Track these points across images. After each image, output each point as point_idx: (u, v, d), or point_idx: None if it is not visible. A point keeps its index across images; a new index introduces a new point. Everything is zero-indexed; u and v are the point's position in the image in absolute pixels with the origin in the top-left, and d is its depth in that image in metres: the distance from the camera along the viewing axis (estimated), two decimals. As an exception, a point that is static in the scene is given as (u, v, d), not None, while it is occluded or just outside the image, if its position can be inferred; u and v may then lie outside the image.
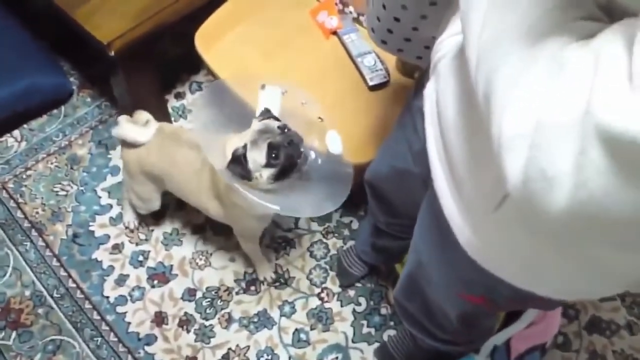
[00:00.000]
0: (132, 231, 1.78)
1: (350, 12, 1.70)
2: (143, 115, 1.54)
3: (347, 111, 1.57)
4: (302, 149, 1.25)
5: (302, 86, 1.57)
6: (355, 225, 1.83)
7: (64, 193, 1.84)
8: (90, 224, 1.79)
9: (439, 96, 0.77)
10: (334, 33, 1.68)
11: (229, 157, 1.23)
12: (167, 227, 1.80)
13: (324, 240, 1.80)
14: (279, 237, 1.79)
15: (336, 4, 1.71)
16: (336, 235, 1.81)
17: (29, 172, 1.87)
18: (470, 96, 0.62)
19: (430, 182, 0.82)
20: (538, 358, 1.48)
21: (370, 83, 1.59)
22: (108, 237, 1.77)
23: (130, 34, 1.56)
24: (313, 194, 1.35)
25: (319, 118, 1.40)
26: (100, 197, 1.83)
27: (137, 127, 1.52)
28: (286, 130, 1.25)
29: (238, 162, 1.22)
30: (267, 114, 1.30)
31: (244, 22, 1.70)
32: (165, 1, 1.61)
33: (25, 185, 1.85)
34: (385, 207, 1.34)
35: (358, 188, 1.84)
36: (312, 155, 1.34)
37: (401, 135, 1.11)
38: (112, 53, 1.54)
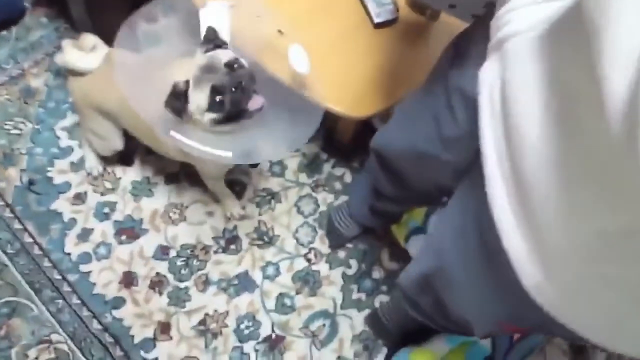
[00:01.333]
0: (95, 179, 1.57)
1: None
2: (89, 39, 1.32)
3: (347, 53, 1.34)
4: (253, 93, 1.05)
5: (296, 21, 1.33)
6: (348, 178, 1.65)
7: (17, 132, 1.60)
8: (48, 169, 1.57)
9: (507, 88, 0.57)
10: (335, -43, 1.42)
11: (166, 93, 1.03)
12: (137, 174, 1.59)
13: (313, 194, 1.62)
14: (262, 190, 1.60)
15: None
16: (327, 189, 1.63)
17: (-26, 106, 1.62)
18: (578, 115, 0.42)
19: (472, 183, 0.64)
20: (542, 337, 1.37)
21: (376, 20, 1.35)
22: (69, 185, 1.56)
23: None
24: (272, 131, 1.13)
25: (279, 31, 1.16)
26: (59, 138, 1.60)
27: (83, 52, 1.30)
28: (235, 67, 1.05)
29: (176, 98, 1.03)
30: (212, 39, 1.08)
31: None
32: None
33: (-30, 122, 1.60)
34: (396, 179, 1.16)
35: (352, 138, 1.66)
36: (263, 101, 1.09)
37: (428, 110, 0.91)
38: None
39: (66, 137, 1.60)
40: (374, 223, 1.51)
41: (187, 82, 1.05)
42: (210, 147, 1.05)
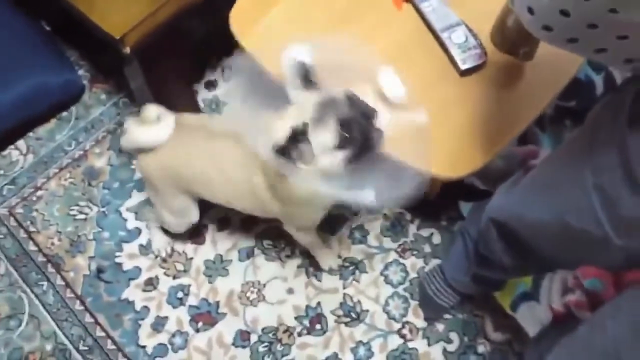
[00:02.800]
0: (166, 261, 1.46)
1: (426, -28, 1.30)
2: (151, 110, 1.21)
3: (433, 106, 1.19)
4: (376, 123, 0.95)
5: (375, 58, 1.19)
6: (436, 238, 1.49)
7: (82, 217, 1.53)
8: (117, 254, 1.48)
9: None
10: (408, 1, 1.29)
11: (280, 139, 0.92)
12: (209, 253, 1.48)
13: (401, 260, 1.46)
14: (344, 260, 1.46)
15: (407, -39, 1.31)
16: (415, 252, 1.47)
17: (39, 193, 1.56)
18: None
19: None
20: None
21: (463, 67, 1.21)
22: (139, 270, 1.46)
23: (147, 22, 1.21)
24: (376, 176, 1.02)
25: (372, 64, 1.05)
26: (126, 220, 1.52)
27: (148, 126, 1.20)
28: (354, 98, 0.94)
29: (295, 143, 0.93)
30: (302, 72, 0.98)
31: (288, -6, 1.32)
32: (188, -24, 1.25)
33: (36, 210, 1.54)
34: (521, 253, 1.00)
35: (438, 194, 1.51)
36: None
37: (581, 180, 0.75)
38: (127, 49, 1.19)
39: (133, 218, 1.52)
40: (474, 290, 1.34)
41: (305, 124, 0.94)
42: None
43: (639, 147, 0.66)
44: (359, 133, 0.94)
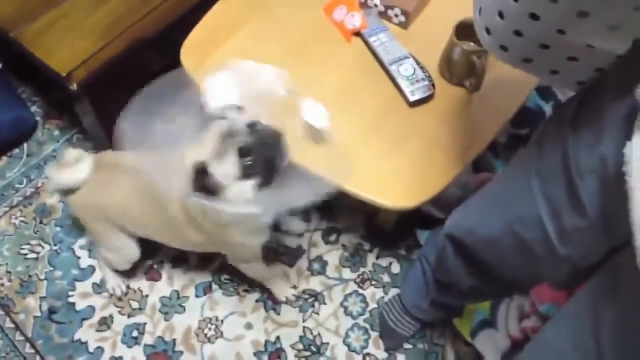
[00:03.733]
0: (120, 299, 1.43)
1: (375, 5, 1.33)
2: (70, 153, 1.26)
3: (383, 137, 1.21)
4: (282, 147, 0.96)
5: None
6: (395, 268, 1.49)
7: (33, 256, 1.48)
8: (70, 293, 1.44)
9: None
10: (357, 34, 1.31)
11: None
12: (165, 289, 1.45)
13: (360, 290, 1.46)
14: (303, 292, 1.44)
15: (356, -4, 1.34)
16: (374, 282, 1.47)
17: (-12, 232, 1.52)
18: None
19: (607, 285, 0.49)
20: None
21: (412, 98, 1.22)
22: (93, 309, 1.42)
23: (95, 58, 1.20)
24: (294, 188, 1.02)
25: (287, 90, 1.05)
26: (79, 258, 1.48)
27: (69, 168, 1.23)
28: (257, 127, 0.95)
29: (201, 178, 0.93)
30: (223, 107, 0.98)
31: (241, 29, 1.32)
32: (138, 11, 1.25)
33: (-15, 250, 1.49)
34: (478, 270, 1.00)
35: (396, 223, 1.51)
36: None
37: (529, 191, 0.77)
38: (74, 86, 1.18)
39: (86, 255, 1.48)
40: (434, 317, 1.33)
41: (202, 162, 0.94)
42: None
43: (578, 155, 0.67)
44: (260, 160, 0.94)
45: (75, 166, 1.23)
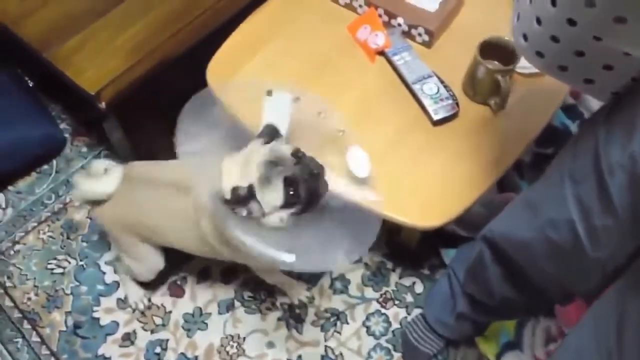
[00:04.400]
0: (144, 315, 1.44)
1: (399, 25, 1.34)
2: (99, 164, 1.27)
3: (407, 156, 1.21)
4: (325, 181, 0.97)
5: (345, 127, 1.23)
6: (419, 287, 1.47)
7: (60, 271, 1.51)
8: (95, 309, 1.45)
9: None
10: (381, 53, 1.32)
11: (228, 193, 0.94)
12: (188, 306, 1.45)
13: (383, 310, 1.44)
14: (325, 311, 1.44)
15: (380, 15, 1.35)
16: (397, 302, 1.45)
17: (17, 247, 1.54)
18: None
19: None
20: None
21: (435, 117, 1.22)
22: (117, 325, 1.43)
23: (123, 78, 1.22)
24: (329, 236, 1.04)
25: (340, 131, 1.10)
26: (104, 273, 1.50)
27: (96, 179, 1.24)
28: (301, 156, 0.96)
29: (241, 203, 0.94)
30: (270, 133, 1.01)
31: (264, 48, 1.34)
32: (164, 32, 1.27)
33: (14, 264, 1.52)
34: (513, 278, 1.00)
35: (419, 242, 1.50)
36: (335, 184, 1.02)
37: (562, 194, 0.78)
38: (103, 105, 1.20)
39: (111, 271, 1.50)
40: (459, 334, 1.31)
41: (250, 186, 0.94)
42: (269, 246, 0.97)
43: (608, 153, 0.68)
44: (305, 191, 0.95)
45: (103, 177, 1.23)
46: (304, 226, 1.01)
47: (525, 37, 0.70)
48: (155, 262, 1.33)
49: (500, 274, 1.05)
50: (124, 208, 1.23)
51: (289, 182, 0.95)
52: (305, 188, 0.95)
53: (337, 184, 1.03)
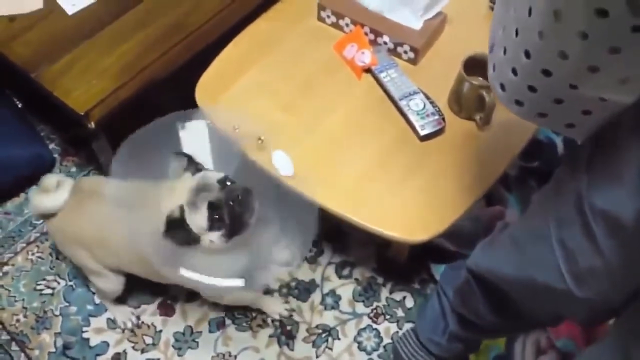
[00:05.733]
0: (134, 334, 1.43)
1: (385, 43, 1.36)
2: (51, 178, 1.30)
3: (394, 171, 1.22)
4: (251, 203, 1.04)
5: (333, 142, 1.25)
6: (409, 302, 1.48)
7: (49, 291, 1.50)
8: (84, 329, 1.44)
9: None
10: (368, 71, 1.34)
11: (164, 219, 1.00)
12: (178, 324, 1.45)
13: (374, 325, 1.45)
14: (316, 327, 1.44)
15: (366, 33, 1.37)
16: (388, 317, 1.46)
17: (5, 269, 1.53)
18: None
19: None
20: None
21: (422, 132, 1.24)
22: (107, 345, 1.42)
23: (112, 97, 1.23)
24: (272, 237, 1.12)
25: (259, 139, 1.20)
26: (94, 293, 1.49)
27: (49, 193, 1.26)
28: (228, 183, 1.03)
29: (177, 227, 1.00)
30: (192, 163, 1.08)
31: (252, 67, 1.36)
32: (153, 53, 1.28)
33: (2, 286, 1.51)
34: (501, 307, 1.00)
35: (409, 256, 1.51)
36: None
37: (545, 236, 0.77)
38: (92, 124, 1.21)
39: (101, 291, 1.49)
40: (450, 353, 1.32)
41: (181, 207, 1.01)
42: (217, 274, 1.04)
43: (592, 198, 0.68)
44: (228, 215, 1.01)
45: (56, 191, 1.26)
46: (244, 247, 1.07)
47: (502, 87, 0.70)
48: (110, 281, 1.33)
49: (489, 302, 1.05)
50: (69, 221, 1.26)
51: (212, 207, 1.00)
52: (228, 212, 1.01)
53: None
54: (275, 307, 1.44)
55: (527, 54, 0.61)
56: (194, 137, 1.13)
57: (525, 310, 0.95)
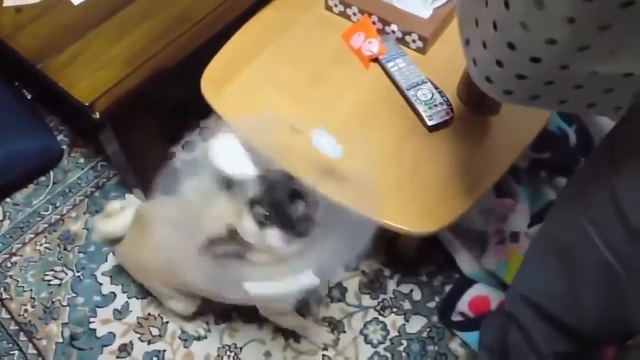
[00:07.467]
0: (141, 325, 1.43)
1: (393, 32, 1.34)
2: (114, 204, 1.29)
3: (402, 162, 1.20)
4: (295, 186, 0.91)
5: (341, 134, 1.22)
6: (417, 294, 1.46)
7: (57, 282, 1.50)
8: (91, 319, 1.45)
9: None
10: (375, 60, 1.32)
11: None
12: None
13: (380, 317, 1.43)
14: (322, 320, 1.43)
15: (374, 22, 1.35)
16: (395, 309, 1.44)
17: (14, 259, 1.54)
18: None
19: None
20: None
21: (430, 123, 1.22)
22: (113, 336, 1.43)
23: (117, 88, 1.22)
24: (327, 250, 0.96)
25: (292, 128, 1.01)
26: (101, 284, 1.49)
27: (114, 219, 1.25)
28: (266, 174, 0.92)
29: (225, 243, 0.91)
30: (224, 182, 0.95)
31: (258, 57, 1.35)
32: (159, 43, 1.27)
33: (10, 276, 1.52)
34: (561, 330, 0.95)
35: (417, 248, 1.49)
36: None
37: (588, 237, 0.74)
38: (97, 115, 1.20)
39: (108, 282, 1.50)
40: None
41: (229, 224, 0.93)
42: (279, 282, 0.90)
43: (628, 193, 0.65)
44: (270, 204, 0.90)
45: (118, 216, 1.25)
46: (304, 251, 0.94)
47: (489, 80, 0.67)
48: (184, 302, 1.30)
49: (547, 331, 0.98)
50: (133, 246, 1.23)
51: (252, 202, 0.90)
52: (269, 200, 0.89)
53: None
54: (322, 336, 1.39)
55: (512, 46, 0.58)
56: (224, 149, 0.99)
57: (588, 324, 0.88)
